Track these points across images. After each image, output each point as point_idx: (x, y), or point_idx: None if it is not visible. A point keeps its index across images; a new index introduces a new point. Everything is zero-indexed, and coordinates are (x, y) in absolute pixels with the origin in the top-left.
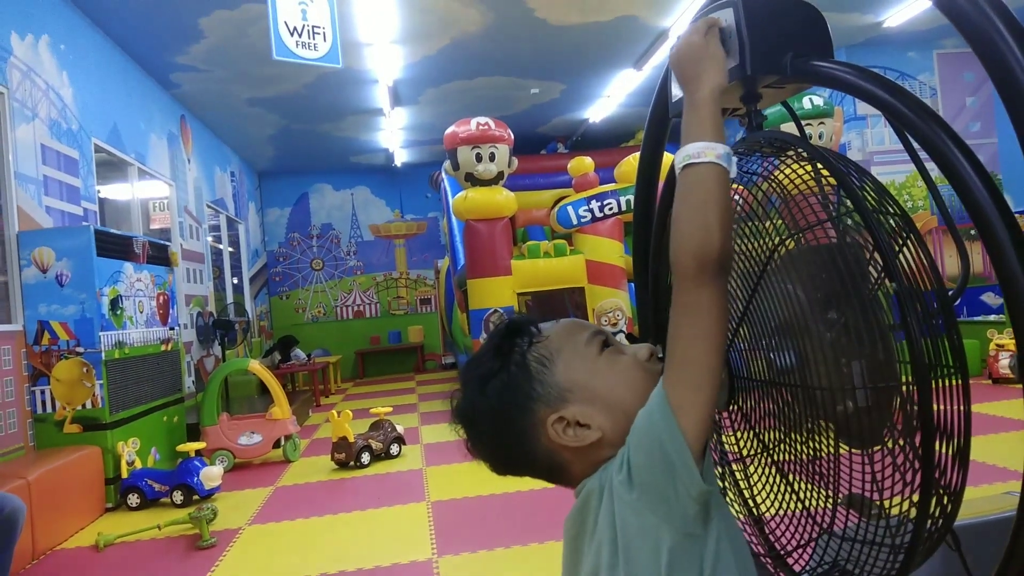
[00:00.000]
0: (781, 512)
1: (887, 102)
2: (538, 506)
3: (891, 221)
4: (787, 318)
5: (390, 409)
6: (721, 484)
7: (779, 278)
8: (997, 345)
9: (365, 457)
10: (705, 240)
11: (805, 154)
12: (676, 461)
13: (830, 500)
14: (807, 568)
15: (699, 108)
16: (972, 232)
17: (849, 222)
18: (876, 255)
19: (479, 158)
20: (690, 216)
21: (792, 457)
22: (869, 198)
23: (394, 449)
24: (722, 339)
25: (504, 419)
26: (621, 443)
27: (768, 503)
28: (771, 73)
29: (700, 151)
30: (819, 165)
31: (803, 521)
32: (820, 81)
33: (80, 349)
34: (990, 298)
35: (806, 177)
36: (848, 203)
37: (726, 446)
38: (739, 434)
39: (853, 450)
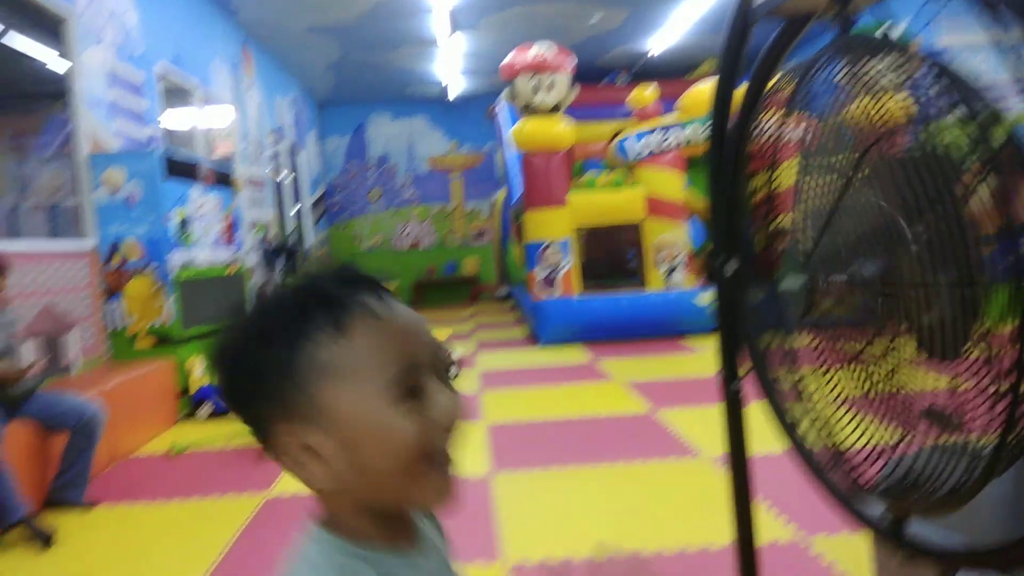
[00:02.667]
0: (855, 425)
1: None
2: (595, 431)
3: (1001, 130)
4: (873, 228)
5: (449, 332)
6: (793, 384)
7: (866, 188)
8: None
9: None
10: None
11: (906, 57)
12: None
13: (908, 413)
14: (879, 478)
15: None
16: None
17: (959, 132)
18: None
19: (537, 88)
20: None
21: (871, 369)
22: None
23: (451, 372)
24: None
25: (251, 390)
26: (351, 508)
27: (842, 416)
28: None
29: None
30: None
31: (879, 432)
32: None
33: (151, 268)
34: None
35: (902, 79)
36: (957, 112)
37: (800, 352)
38: (815, 342)
39: (935, 360)
